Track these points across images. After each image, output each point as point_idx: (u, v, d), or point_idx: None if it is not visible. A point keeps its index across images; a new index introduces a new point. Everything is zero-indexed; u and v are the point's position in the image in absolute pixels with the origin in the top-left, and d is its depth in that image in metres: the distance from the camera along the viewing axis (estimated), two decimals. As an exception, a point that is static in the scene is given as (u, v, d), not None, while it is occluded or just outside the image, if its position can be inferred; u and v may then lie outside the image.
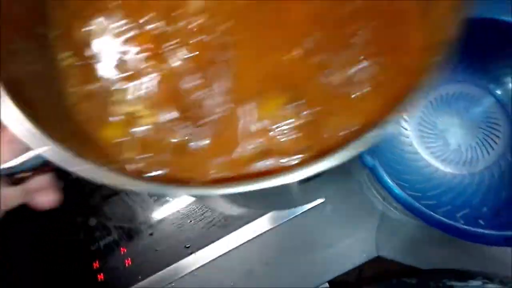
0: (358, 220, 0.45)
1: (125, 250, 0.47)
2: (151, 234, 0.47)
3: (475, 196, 0.39)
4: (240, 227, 0.46)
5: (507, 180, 0.39)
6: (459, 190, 0.40)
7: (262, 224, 0.46)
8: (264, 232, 0.46)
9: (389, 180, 0.34)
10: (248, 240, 0.46)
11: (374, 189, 0.43)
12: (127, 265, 0.46)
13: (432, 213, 0.33)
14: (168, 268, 0.46)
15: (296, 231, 0.46)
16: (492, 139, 0.41)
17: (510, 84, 0.41)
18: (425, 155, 0.41)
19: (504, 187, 0.39)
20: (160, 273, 0.46)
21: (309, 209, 0.46)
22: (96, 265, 0.47)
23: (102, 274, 0.46)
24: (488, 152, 0.41)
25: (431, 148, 0.42)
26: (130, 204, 0.48)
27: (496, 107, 0.41)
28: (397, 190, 0.34)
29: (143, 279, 0.46)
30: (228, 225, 0.47)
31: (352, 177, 0.46)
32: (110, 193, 0.49)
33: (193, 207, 0.47)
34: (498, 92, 0.41)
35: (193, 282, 0.46)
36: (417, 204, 0.33)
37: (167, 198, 0.48)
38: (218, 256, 0.46)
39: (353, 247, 0.45)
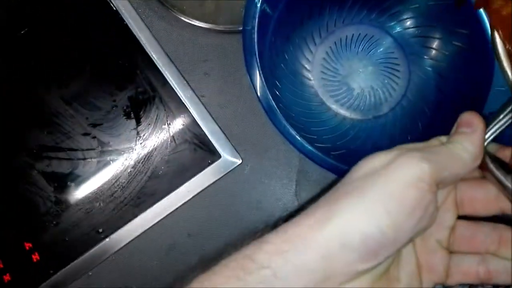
0: (277, 176, 0.44)
1: (31, 245, 0.43)
2: (56, 224, 0.43)
3: (382, 140, 0.39)
4: (155, 202, 0.44)
5: (410, 120, 0.39)
6: (366, 136, 0.39)
7: (178, 196, 0.44)
8: (182, 204, 0.44)
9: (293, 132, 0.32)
10: (166, 215, 0.44)
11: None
12: (35, 260, 0.43)
13: (337, 163, 0.33)
14: (82, 257, 0.43)
15: (215, 198, 0.44)
16: (393, 80, 0.41)
17: (408, 22, 0.41)
18: (331, 104, 0.41)
19: (408, 128, 0.39)
20: (74, 263, 0.43)
21: (226, 173, 0.44)
22: (-1, 266, 0.43)
23: (7, 274, 0.42)
24: (390, 94, 0.41)
25: (336, 96, 0.41)
26: (27, 194, 0.44)
27: (394, 47, 0.41)
28: (307, 145, 0.32)
29: (55, 272, 0.43)
30: (142, 202, 0.44)
31: (267, 134, 0.45)
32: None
33: (100, 188, 0.44)
34: (396, 31, 0.41)
35: (112, 267, 0.44)
36: (321, 155, 0.32)
37: (68, 183, 0.44)
38: (136, 236, 0.44)
39: (275, 204, 0.44)
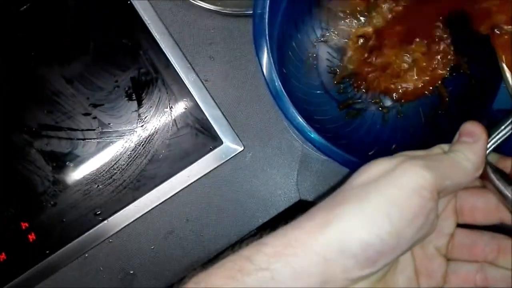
0: (278, 165, 0.44)
1: (27, 225, 0.42)
2: (53, 205, 0.43)
3: (385, 131, 0.39)
4: (154, 186, 0.43)
5: (413, 112, 0.39)
6: (368, 126, 0.39)
7: (178, 181, 0.43)
8: (182, 189, 0.43)
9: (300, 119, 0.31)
10: (166, 200, 0.43)
11: (294, 132, 0.42)
12: (31, 240, 0.42)
13: (344, 153, 0.32)
14: (79, 238, 0.43)
15: (215, 184, 0.44)
16: (400, 71, 0.40)
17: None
18: (335, 93, 0.40)
19: (411, 120, 0.39)
20: (70, 245, 0.43)
21: (227, 159, 0.44)
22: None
23: (3, 254, 0.42)
24: (397, 85, 0.40)
25: (341, 85, 0.40)
26: (25, 173, 0.43)
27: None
28: (311, 132, 0.32)
29: (51, 253, 0.42)
30: (142, 186, 0.43)
31: (271, 122, 0.44)
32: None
33: (100, 170, 0.43)
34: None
35: (109, 250, 0.43)
36: (328, 144, 0.32)
37: (67, 163, 0.43)
38: (134, 220, 0.43)
39: (275, 193, 0.43)
